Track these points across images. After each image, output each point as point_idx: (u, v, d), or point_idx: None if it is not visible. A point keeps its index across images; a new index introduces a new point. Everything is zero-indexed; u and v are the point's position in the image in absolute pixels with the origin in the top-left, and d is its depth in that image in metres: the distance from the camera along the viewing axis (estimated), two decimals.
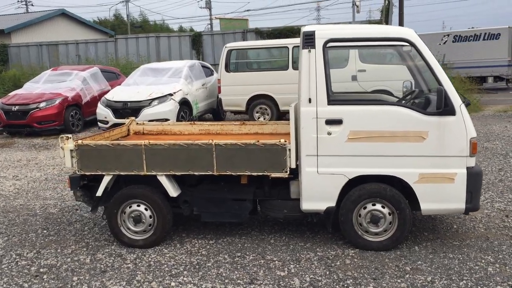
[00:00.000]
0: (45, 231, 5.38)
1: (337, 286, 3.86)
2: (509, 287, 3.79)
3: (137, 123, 6.12)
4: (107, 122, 11.33)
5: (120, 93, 11.68)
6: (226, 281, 4.03)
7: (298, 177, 4.56)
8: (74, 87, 13.16)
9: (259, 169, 4.48)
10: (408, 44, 4.34)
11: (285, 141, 4.40)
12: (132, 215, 4.75)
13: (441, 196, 4.30)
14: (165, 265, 4.37)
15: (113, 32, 36.33)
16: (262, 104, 12.28)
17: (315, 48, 4.35)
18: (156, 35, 24.17)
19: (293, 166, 4.42)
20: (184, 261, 4.44)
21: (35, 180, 7.85)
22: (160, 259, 4.51)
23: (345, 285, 3.87)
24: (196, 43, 22.97)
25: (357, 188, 4.42)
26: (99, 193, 4.74)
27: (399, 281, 3.90)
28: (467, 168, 4.24)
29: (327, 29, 4.48)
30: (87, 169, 4.70)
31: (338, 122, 4.32)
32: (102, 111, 11.43)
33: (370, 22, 21.54)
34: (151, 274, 4.21)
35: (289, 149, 4.39)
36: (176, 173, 4.61)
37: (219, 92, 12.37)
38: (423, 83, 5.15)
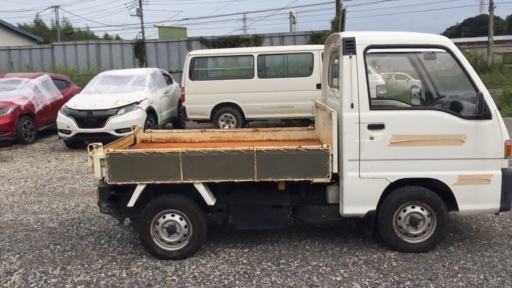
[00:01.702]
0: (58, 247, 5.01)
1: None
2: None
3: (145, 131, 5.88)
4: (69, 132, 10.78)
5: (82, 102, 11.13)
6: None
7: (335, 182, 4.58)
8: (26, 96, 12.39)
9: (300, 175, 4.44)
10: (445, 51, 4.49)
11: (328, 147, 4.41)
12: (166, 225, 4.55)
13: (478, 197, 4.47)
14: (212, 276, 4.22)
15: (41, 39, 34.71)
16: (227, 112, 12.22)
17: (355, 54, 4.40)
18: (96, 42, 23.41)
19: (335, 171, 4.44)
20: (230, 271, 4.30)
21: (12, 194, 7.31)
22: (203, 269, 4.34)
23: (405, 287, 3.92)
24: (139, 51, 22.50)
25: (397, 191, 4.50)
26: (131, 203, 4.50)
27: (454, 280, 4.01)
28: (502, 170, 4.45)
29: (366, 35, 4.55)
30: (119, 179, 4.45)
31: (380, 126, 4.39)
32: (64, 121, 10.82)
33: (313, 33, 22.07)
34: (202, 285, 4.04)
35: (332, 154, 4.41)
36: (215, 181, 4.48)
37: (183, 100, 12.15)
38: (433, 88, 5.40)
